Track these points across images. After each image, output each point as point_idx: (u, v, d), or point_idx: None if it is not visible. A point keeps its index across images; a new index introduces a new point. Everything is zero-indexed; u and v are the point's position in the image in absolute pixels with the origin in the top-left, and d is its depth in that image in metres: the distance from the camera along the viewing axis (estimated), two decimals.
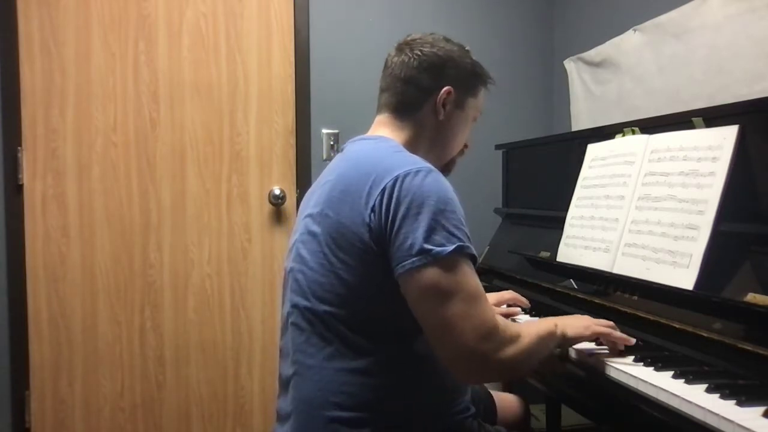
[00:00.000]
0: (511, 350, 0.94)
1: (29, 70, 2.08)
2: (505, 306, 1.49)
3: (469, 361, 0.92)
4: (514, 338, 0.95)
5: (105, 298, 2.17)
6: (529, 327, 1.02)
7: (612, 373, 1.03)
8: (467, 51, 1.18)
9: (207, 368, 2.26)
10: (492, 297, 1.48)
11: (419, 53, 1.12)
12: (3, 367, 2.06)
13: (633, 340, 1.09)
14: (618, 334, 1.10)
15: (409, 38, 1.16)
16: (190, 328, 2.25)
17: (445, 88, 1.12)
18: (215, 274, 2.27)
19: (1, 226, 2.06)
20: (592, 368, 1.08)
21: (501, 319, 0.96)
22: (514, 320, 1.42)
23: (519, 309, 1.48)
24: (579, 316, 1.16)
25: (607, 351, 1.11)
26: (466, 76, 1.16)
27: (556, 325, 1.05)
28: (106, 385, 2.17)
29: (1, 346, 2.06)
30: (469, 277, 0.93)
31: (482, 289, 0.96)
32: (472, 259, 0.96)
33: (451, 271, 0.91)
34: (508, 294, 1.51)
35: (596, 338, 1.11)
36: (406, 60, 1.12)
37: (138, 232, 2.19)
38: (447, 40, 1.16)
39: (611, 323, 1.12)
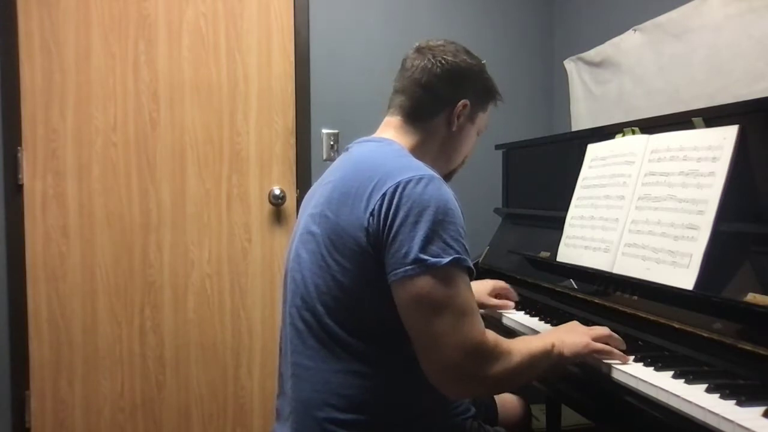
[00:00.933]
0: (497, 368, 0.92)
1: (29, 70, 2.08)
2: (494, 298, 1.52)
3: (453, 376, 0.92)
4: (502, 356, 0.93)
5: (105, 298, 2.17)
6: (522, 344, 0.99)
7: (612, 373, 1.03)
8: (484, 66, 1.18)
9: (207, 368, 2.26)
10: (487, 284, 1.53)
11: (443, 61, 1.11)
12: (3, 367, 2.06)
13: (630, 359, 1.05)
14: (618, 353, 1.05)
15: (430, 43, 1.15)
16: (190, 328, 2.25)
17: (463, 101, 1.12)
18: (215, 274, 2.27)
19: (1, 226, 2.06)
20: (592, 368, 1.08)
21: (492, 336, 0.94)
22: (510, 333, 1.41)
23: (511, 304, 1.52)
24: (576, 328, 1.11)
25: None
26: (482, 91, 1.17)
27: (553, 345, 1.01)
28: (106, 385, 2.17)
29: (1, 346, 2.06)
30: (463, 291, 0.92)
31: (474, 304, 0.94)
32: (469, 272, 0.95)
33: (445, 284, 0.90)
34: (501, 283, 1.55)
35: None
36: (429, 66, 1.11)
37: (138, 232, 2.19)
38: (467, 52, 1.16)
39: (607, 332, 1.08)
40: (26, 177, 2.09)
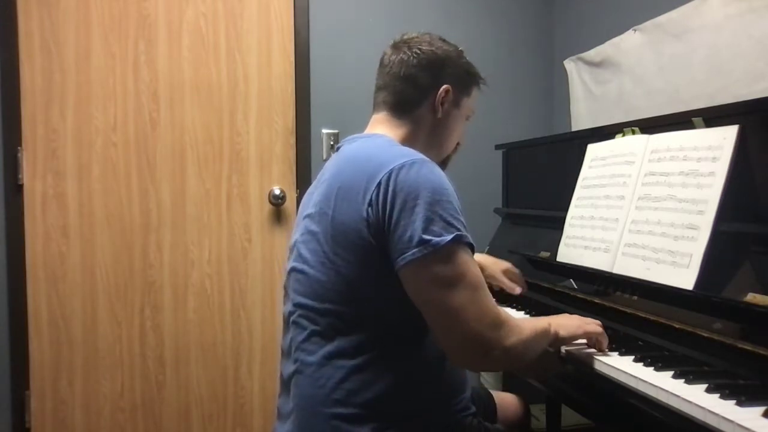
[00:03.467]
0: (514, 339, 0.95)
1: (29, 70, 2.08)
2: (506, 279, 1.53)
3: (475, 347, 0.94)
4: (516, 327, 0.97)
5: (105, 298, 2.17)
6: (525, 321, 1.03)
7: (612, 373, 1.03)
8: (462, 51, 1.20)
9: (207, 368, 2.26)
10: (503, 264, 1.54)
11: (418, 51, 1.13)
12: (3, 367, 2.06)
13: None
14: (605, 339, 1.12)
15: (405, 37, 1.17)
16: (190, 328, 2.25)
17: (444, 87, 1.13)
18: (215, 274, 2.27)
19: (1, 226, 2.06)
20: (591, 368, 1.08)
21: (503, 310, 0.98)
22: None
23: (518, 289, 1.51)
24: (569, 315, 1.17)
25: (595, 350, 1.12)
26: (463, 76, 1.18)
27: (549, 324, 1.07)
28: (106, 385, 2.17)
29: (1, 346, 2.06)
30: (470, 265, 0.95)
31: (483, 278, 0.97)
32: (471, 247, 0.97)
33: (452, 261, 0.93)
34: (516, 270, 1.55)
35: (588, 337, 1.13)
36: (405, 58, 1.13)
37: (138, 232, 2.19)
38: (443, 40, 1.18)
39: (599, 323, 1.14)
40: (26, 177, 2.09)
